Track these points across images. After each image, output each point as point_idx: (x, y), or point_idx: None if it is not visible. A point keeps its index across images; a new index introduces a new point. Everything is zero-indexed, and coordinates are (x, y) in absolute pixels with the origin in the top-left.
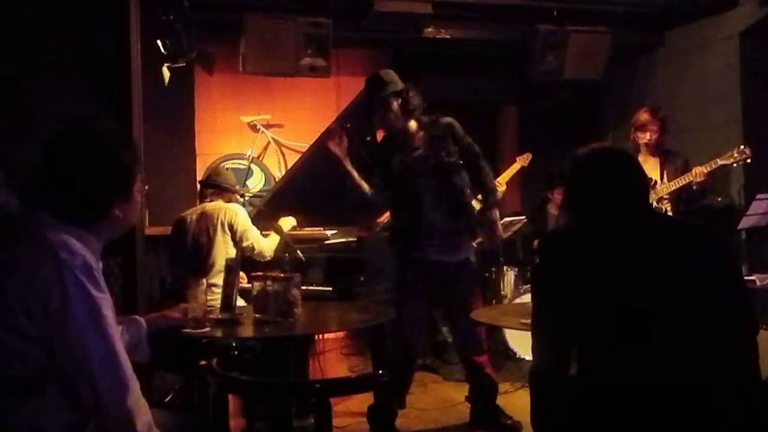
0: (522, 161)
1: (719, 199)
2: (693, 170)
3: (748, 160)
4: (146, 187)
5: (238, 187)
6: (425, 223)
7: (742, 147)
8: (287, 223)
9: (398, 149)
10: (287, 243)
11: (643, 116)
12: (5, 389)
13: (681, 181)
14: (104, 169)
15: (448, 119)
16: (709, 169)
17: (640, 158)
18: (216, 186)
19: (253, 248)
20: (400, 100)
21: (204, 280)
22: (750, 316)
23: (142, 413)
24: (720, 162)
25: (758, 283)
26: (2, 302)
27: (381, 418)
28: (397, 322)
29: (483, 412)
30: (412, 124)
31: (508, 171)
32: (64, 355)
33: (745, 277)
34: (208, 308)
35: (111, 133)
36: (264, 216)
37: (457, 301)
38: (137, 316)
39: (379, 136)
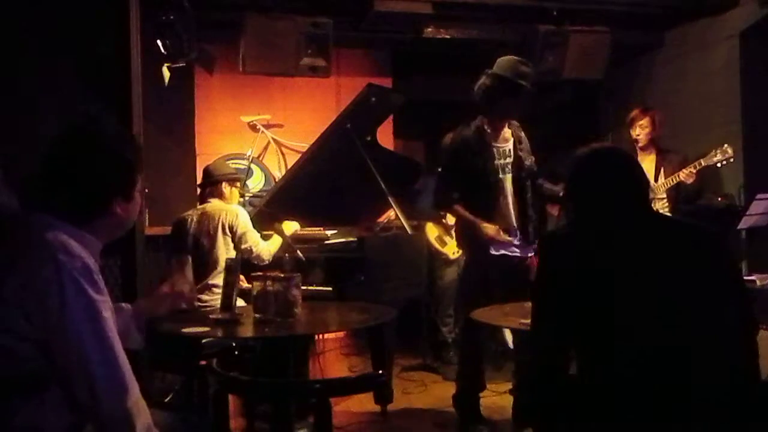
0: None
1: (719, 199)
2: (679, 172)
3: (731, 160)
4: (146, 190)
5: (228, 173)
6: (502, 217)
7: (725, 146)
8: (289, 227)
9: (485, 139)
10: (288, 243)
11: (633, 113)
12: (5, 390)
13: (670, 182)
14: (106, 163)
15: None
16: (694, 169)
17: (638, 157)
18: (208, 183)
19: (251, 251)
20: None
21: (189, 257)
22: (750, 316)
23: (142, 415)
24: (704, 162)
25: (758, 283)
26: (1, 303)
27: (466, 404)
28: (468, 324)
29: None
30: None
31: None
32: (63, 357)
33: (745, 277)
34: (208, 307)
35: (114, 131)
36: (264, 216)
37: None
38: (123, 304)
39: (379, 136)
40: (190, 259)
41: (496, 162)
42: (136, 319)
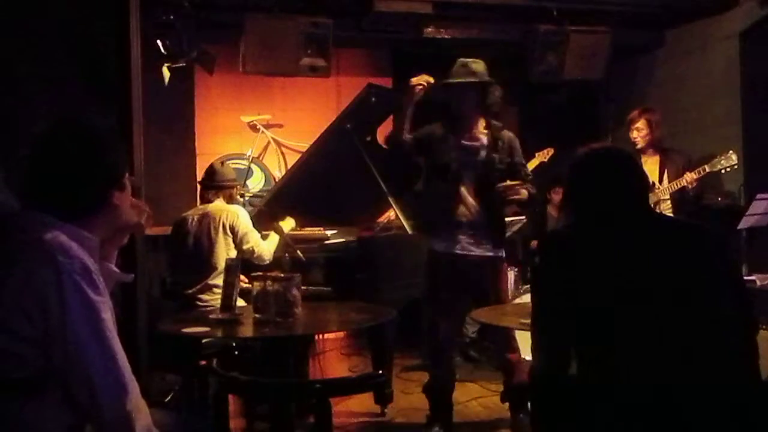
0: (542, 156)
1: (719, 199)
2: (684, 176)
3: (735, 167)
4: (130, 176)
5: (237, 181)
6: (458, 214)
7: (729, 153)
8: (286, 224)
9: (453, 135)
10: (287, 243)
11: (631, 114)
12: (4, 391)
13: (675, 185)
14: (102, 155)
15: (512, 134)
16: (698, 175)
17: (642, 158)
18: (214, 186)
19: (252, 251)
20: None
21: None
22: (750, 316)
23: (142, 416)
24: (708, 169)
25: (758, 283)
26: (0, 305)
27: (438, 394)
28: (432, 317)
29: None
30: (482, 119)
31: None
32: (63, 359)
33: (745, 277)
34: (208, 307)
35: (98, 124)
36: (264, 216)
37: (489, 298)
38: None
39: (380, 137)
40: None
41: (458, 157)
42: (108, 261)
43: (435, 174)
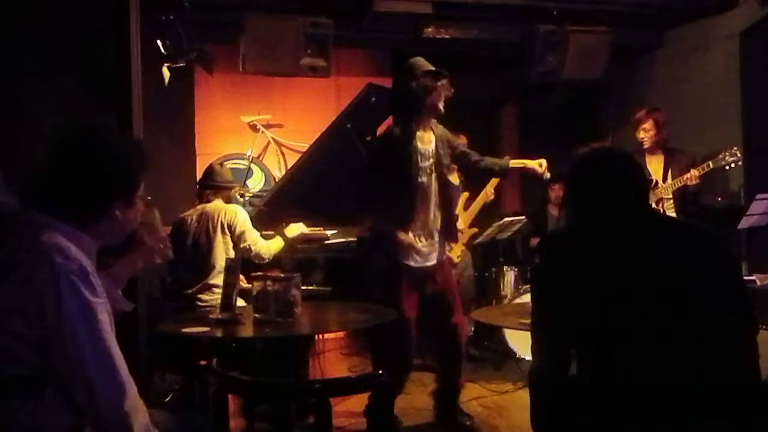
0: (486, 194)
1: (719, 199)
2: (687, 174)
3: (739, 162)
4: (149, 197)
5: (236, 183)
6: (417, 225)
7: (734, 149)
8: (295, 229)
9: (406, 146)
10: (290, 246)
11: (638, 114)
12: (4, 391)
13: (678, 183)
14: (108, 163)
15: (441, 127)
16: (701, 172)
17: (646, 157)
18: (213, 186)
19: (250, 249)
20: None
21: (155, 209)
22: (750, 316)
23: (139, 416)
24: (712, 165)
25: (758, 283)
26: None
27: (379, 416)
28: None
29: (444, 409)
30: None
31: (472, 207)
32: (60, 359)
33: (745, 277)
34: (208, 307)
35: (120, 133)
36: (264, 216)
37: (439, 300)
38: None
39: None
40: (156, 211)
41: (420, 165)
42: (116, 284)
43: (398, 185)
